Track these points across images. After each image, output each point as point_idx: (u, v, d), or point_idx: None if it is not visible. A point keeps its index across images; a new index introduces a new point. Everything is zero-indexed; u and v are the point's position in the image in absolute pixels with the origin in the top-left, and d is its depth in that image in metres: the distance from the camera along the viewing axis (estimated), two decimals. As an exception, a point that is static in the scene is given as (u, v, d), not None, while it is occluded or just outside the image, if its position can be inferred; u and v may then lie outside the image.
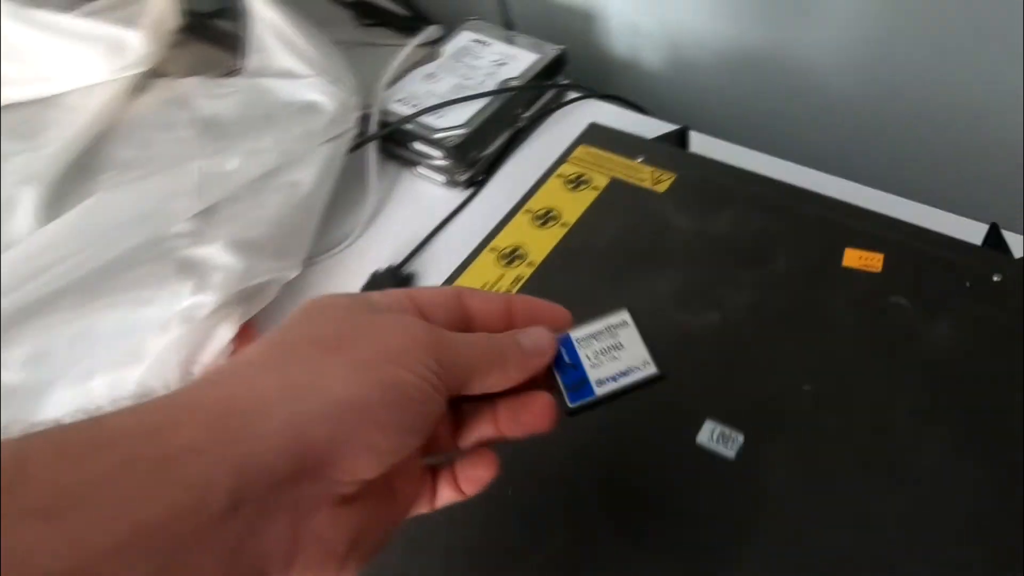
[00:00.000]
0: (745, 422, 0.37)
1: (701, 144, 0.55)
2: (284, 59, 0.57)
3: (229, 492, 0.19)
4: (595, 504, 0.37)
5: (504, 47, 0.61)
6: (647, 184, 0.50)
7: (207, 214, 0.50)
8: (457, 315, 0.28)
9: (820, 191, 0.47)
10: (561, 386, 0.29)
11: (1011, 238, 0.45)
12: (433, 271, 0.53)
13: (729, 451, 0.37)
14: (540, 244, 0.48)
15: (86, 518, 0.17)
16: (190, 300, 0.47)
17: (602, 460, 0.38)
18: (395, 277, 0.52)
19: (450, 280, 0.47)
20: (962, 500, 0.34)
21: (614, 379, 0.29)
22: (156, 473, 0.19)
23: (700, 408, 0.38)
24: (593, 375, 0.29)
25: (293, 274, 0.52)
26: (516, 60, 0.60)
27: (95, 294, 0.47)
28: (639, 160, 0.51)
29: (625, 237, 0.47)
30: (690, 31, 0.62)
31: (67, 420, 0.19)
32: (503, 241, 0.48)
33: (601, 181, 0.50)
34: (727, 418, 0.38)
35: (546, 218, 0.49)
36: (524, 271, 0.46)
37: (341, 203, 0.57)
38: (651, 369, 0.29)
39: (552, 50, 0.60)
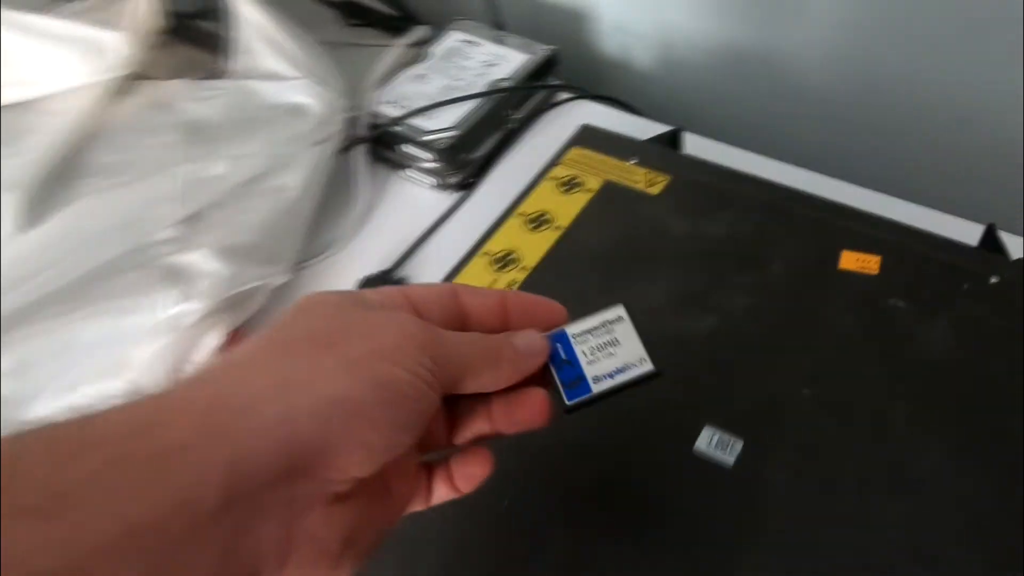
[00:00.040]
0: (744, 428, 0.37)
1: (694, 145, 0.55)
2: (270, 61, 0.56)
3: (221, 490, 0.19)
4: (593, 508, 0.36)
5: (494, 47, 0.60)
6: (641, 186, 0.49)
7: (192, 220, 0.49)
8: (452, 312, 0.28)
9: (814, 192, 0.47)
10: (558, 383, 0.28)
11: (1007, 239, 0.44)
12: (424, 275, 0.52)
13: (728, 457, 0.37)
14: (533, 248, 0.47)
15: (77, 517, 0.17)
16: (176, 308, 0.46)
17: (600, 467, 0.37)
18: (385, 282, 0.51)
19: (442, 285, 0.46)
20: (962, 503, 0.34)
21: (611, 376, 0.28)
22: (147, 471, 0.19)
23: (698, 414, 0.38)
24: (590, 372, 0.28)
25: (281, 280, 0.51)
26: (506, 61, 0.59)
27: (78, 303, 0.46)
28: (632, 162, 0.50)
29: (619, 241, 0.47)
30: (681, 31, 0.61)
31: (58, 419, 0.19)
32: (496, 245, 0.48)
33: (594, 183, 0.50)
34: (725, 424, 0.37)
35: (539, 221, 0.48)
36: (517, 275, 0.46)
37: (329, 207, 0.56)
38: (648, 366, 0.29)
39: (543, 50, 0.59)
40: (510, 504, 0.36)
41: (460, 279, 0.46)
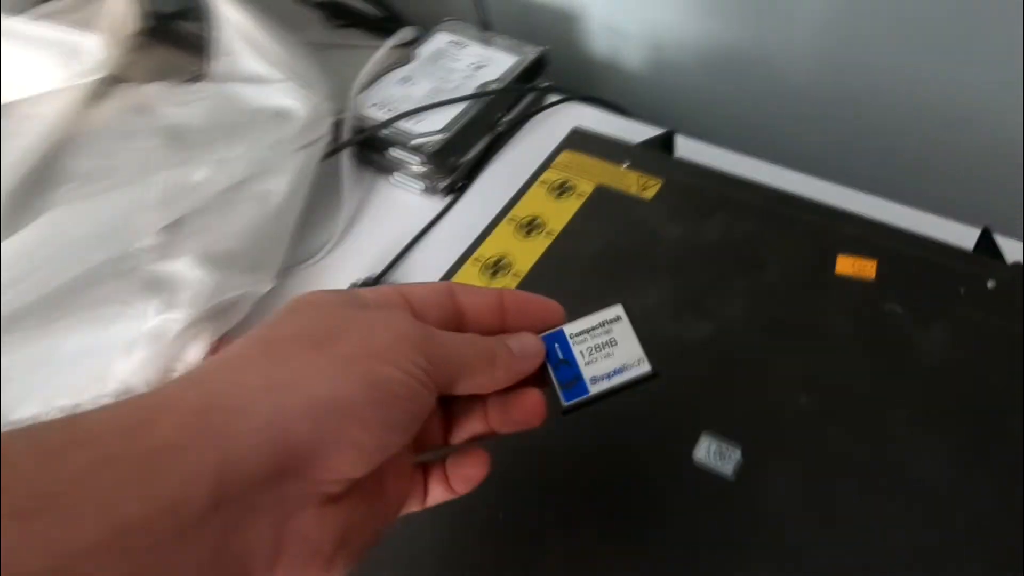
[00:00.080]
0: (742, 435, 0.36)
1: (686, 148, 0.54)
2: (252, 63, 0.54)
3: (210, 491, 0.19)
4: (591, 513, 0.36)
5: (482, 49, 0.59)
6: (633, 191, 0.48)
7: (174, 227, 0.47)
8: (449, 311, 0.28)
9: (808, 195, 0.46)
10: (555, 384, 0.28)
11: (1003, 242, 0.44)
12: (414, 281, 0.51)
13: (727, 467, 0.36)
14: (525, 254, 0.46)
15: (62, 517, 0.17)
16: (158, 319, 0.45)
17: (597, 473, 0.37)
18: (374, 290, 0.50)
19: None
20: (964, 509, 0.34)
21: (608, 377, 0.28)
22: (135, 471, 0.18)
23: (695, 421, 0.37)
24: (587, 373, 0.28)
25: (266, 288, 0.50)
26: (495, 62, 0.58)
27: (55, 315, 0.44)
28: (624, 166, 0.50)
29: (613, 246, 0.46)
30: (671, 31, 0.61)
31: (44, 418, 0.19)
32: (487, 251, 0.47)
33: (586, 188, 0.49)
34: (723, 431, 0.37)
35: (531, 227, 0.47)
36: (509, 282, 0.45)
37: (315, 213, 0.55)
38: (645, 367, 0.28)
39: (532, 52, 0.59)
40: (507, 507, 0.36)
41: (451, 286, 0.45)
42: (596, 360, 0.28)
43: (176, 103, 0.52)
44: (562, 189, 0.49)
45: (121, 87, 0.54)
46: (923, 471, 0.35)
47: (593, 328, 0.29)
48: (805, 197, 0.46)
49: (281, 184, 0.51)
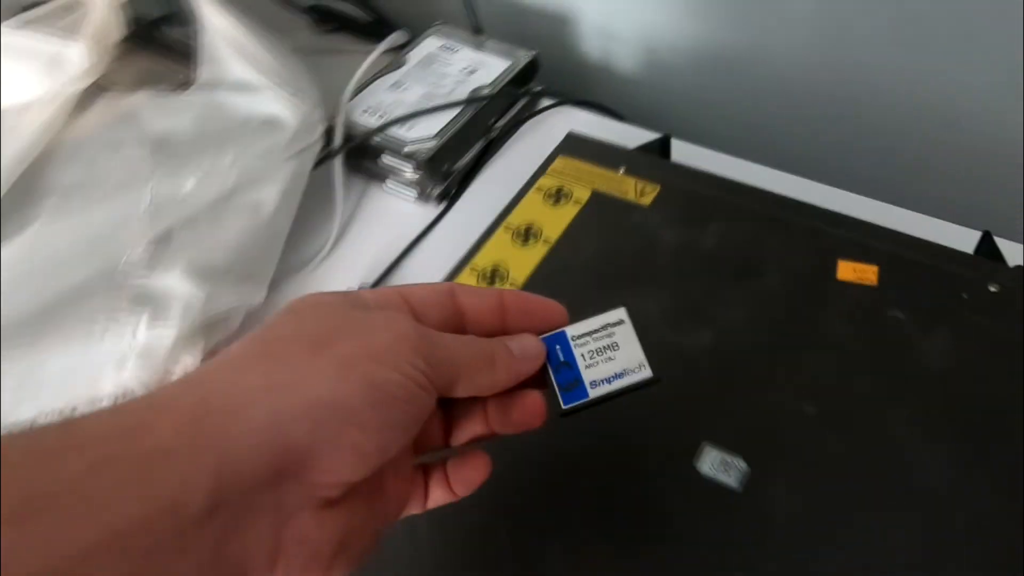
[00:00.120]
0: (745, 446, 0.36)
1: (682, 151, 0.53)
2: (239, 70, 0.53)
3: (207, 494, 0.19)
4: (594, 524, 0.35)
5: (473, 53, 0.59)
6: (631, 197, 0.48)
7: (162, 240, 0.46)
8: (450, 312, 0.27)
9: (806, 199, 0.46)
10: (555, 386, 0.28)
11: (1003, 245, 0.44)
12: (408, 292, 0.50)
13: (731, 479, 0.36)
14: (522, 262, 0.45)
15: (57, 521, 0.17)
16: (147, 334, 0.44)
17: (599, 485, 0.36)
18: (368, 300, 0.49)
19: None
20: (971, 516, 0.33)
21: (608, 381, 0.28)
22: (130, 475, 0.18)
23: (697, 432, 0.37)
24: (587, 376, 0.28)
25: (258, 300, 0.49)
26: (486, 67, 0.57)
27: (41, 332, 0.43)
28: (621, 171, 0.49)
29: (611, 253, 0.45)
30: (665, 34, 0.60)
31: (40, 422, 0.19)
32: (483, 260, 0.46)
33: (583, 194, 0.48)
34: (726, 442, 0.36)
35: (527, 235, 0.47)
36: (507, 292, 0.44)
37: (307, 222, 0.54)
38: (646, 372, 0.28)
39: (524, 56, 0.58)
40: (508, 511, 0.35)
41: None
42: (597, 363, 0.28)
43: (163, 112, 0.51)
44: (558, 196, 0.48)
45: (106, 96, 0.52)
46: (929, 479, 0.34)
47: (595, 331, 0.29)
48: (804, 202, 0.46)
49: (272, 193, 0.50)
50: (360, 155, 0.55)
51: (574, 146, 0.51)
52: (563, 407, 0.28)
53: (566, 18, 0.64)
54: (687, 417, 0.38)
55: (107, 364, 0.43)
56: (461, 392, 0.26)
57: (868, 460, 0.35)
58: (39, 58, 0.50)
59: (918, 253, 0.42)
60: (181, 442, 0.19)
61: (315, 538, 0.22)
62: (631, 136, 0.54)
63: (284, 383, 0.21)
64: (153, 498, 0.18)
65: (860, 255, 0.42)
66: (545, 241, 0.46)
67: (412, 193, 0.55)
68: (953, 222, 0.45)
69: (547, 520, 0.35)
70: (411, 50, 0.60)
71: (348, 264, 0.53)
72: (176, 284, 0.45)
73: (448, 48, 0.59)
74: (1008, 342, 0.38)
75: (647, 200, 0.47)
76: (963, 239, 0.44)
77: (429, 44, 0.60)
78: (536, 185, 0.49)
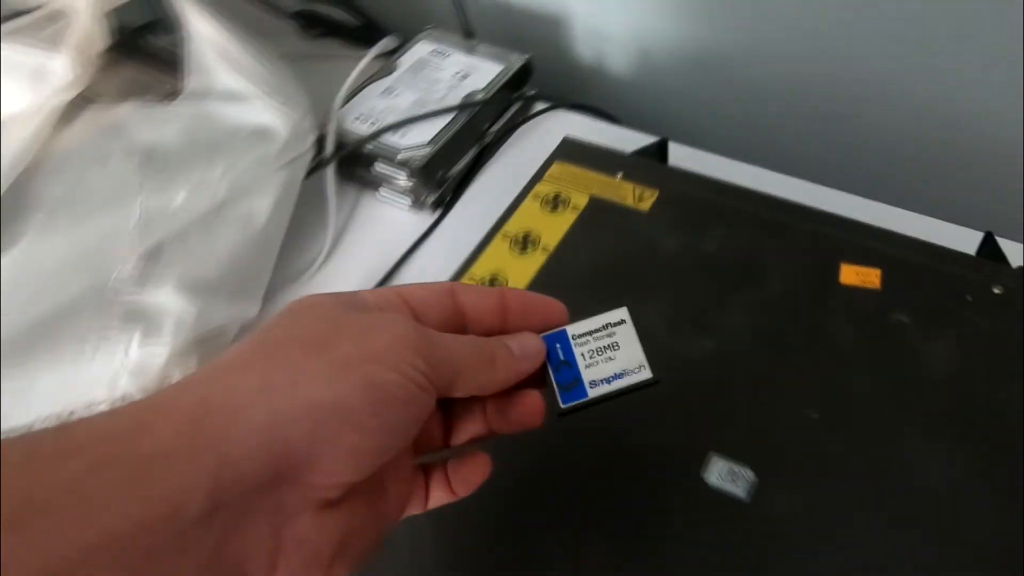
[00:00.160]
0: (752, 456, 0.36)
1: (677, 154, 0.53)
2: (228, 79, 0.52)
3: (205, 497, 0.19)
4: (599, 533, 0.35)
5: (465, 58, 0.58)
6: (629, 202, 0.47)
7: (153, 255, 0.45)
8: (450, 312, 0.27)
9: (806, 201, 0.46)
10: (554, 385, 0.28)
11: (1006, 245, 0.44)
12: (405, 302, 0.49)
13: (739, 489, 0.35)
14: (521, 271, 0.45)
15: (54, 525, 0.17)
16: (139, 352, 0.43)
17: (603, 496, 0.36)
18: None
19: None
20: (981, 524, 0.33)
21: (607, 381, 0.28)
22: (128, 478, 0.18)
23: (702, 439, 0.36)
24: (587, 375, 0.28)
25: (252, 314, 0.48)
26: (479, 71, 0.56)
27: (31, 352, 0.42)
28: (619, 176, 0.48)
29: (611, 260, 0.45)
30: (659, 36, 0.59)
31: (37, 427, 0.19)
32: (481, 268, 0.45)
33: (580, 200, 0.48)
34: (731, 451, 0.36)
35: (525, 242, 0.46)
36: (506, 302, 0.43)
37: (300, 232, 0.53)
38: (646, 373, 0.28)
39: (517, 59, 0.57)
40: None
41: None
42: (597, 363, 0.28)
43: (150, 123, 0.50)
44: (555, 202, 0.48)
45: (92, 108, 0.51)
46: (937, 485, 0.34)
47: (596, 330, 0.29)
48: (805, 205, 0.45)
49: (264, 205, 0.49)
50: (352, 163, 0.55)
51: (571, 151, 0.51)
52: (562, 406, 0.28)
53: (558, 20, 0.63)
54: (692, 425, 0.37)
55: (99, 383, 0.42)
56: (461, 392, 0.26)
57: (875, 467, 0.35)
58: (22, 71, 0.48)
59: (921, 255, 0.42)
60: (181, 443, 0.19)
61: (315, 539, 0.22)
62: (627, 139, 0.53)
63: (283, 384, 0.21)
64: (152, 500, 0.18)
65: (862, 258, 0.42)
66: (544, 249, 0.46)
67: (406, 201, 0.54)
68: (954, 223, 0.45)
69: (549, 524, 0.35)
70: (402, 55, 0.59)
71: (343, 274, 0.52)
72: (168, 300, 0.44)
73: (439, 53, 0.59)
74: (1013, 344, 0.38)
75: (646, 205, 0.47)
76: (965, 240, 0.44)
77: (420, 49, 0.59)
78: (533, 192, 0.49)
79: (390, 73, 0.58)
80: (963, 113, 0.50)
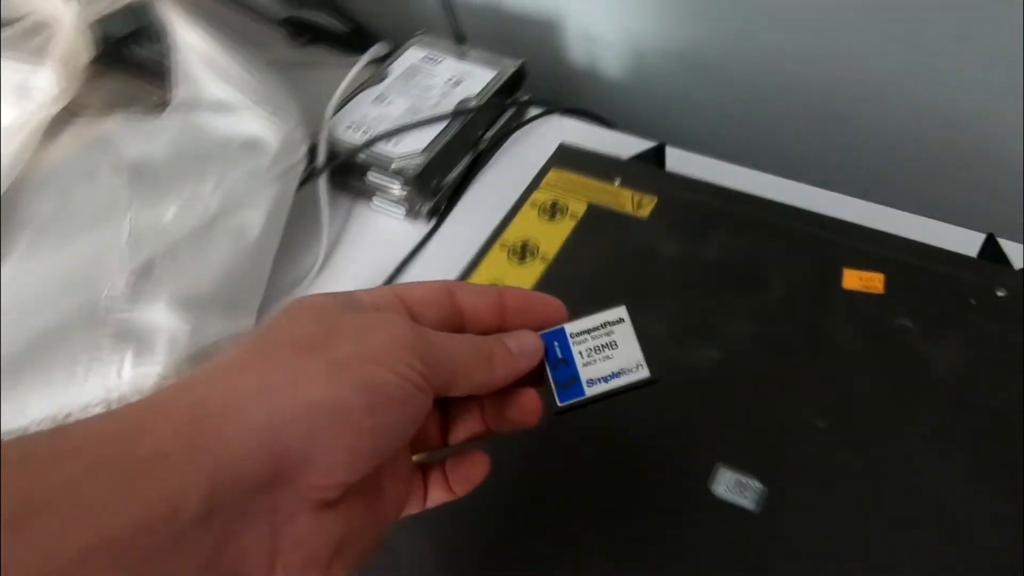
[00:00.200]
0: (759, 466, 0.35)
1: (677, 159, 0.52)
2: (216, 89, 0.51)
3: (202, 498, 0.19)
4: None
5: (457, 63, 0.57)
6: (628, 209, 0.47)
7: (144, 272, 0.44)
8: (448, 311, 0.27)
9: (805, 205, 0.45)
10: (552, 383, 0.28)
11: (1007, 246, 0.43)
12: (402, 314, 0.49)
13: (748, 501, 0.35)
14: (520, 281, 0.44)
15: (51, 526, 0.17)
16: (132, 372, 0.42)
17: (609, 514, 0.35)
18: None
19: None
20: (991, 534, 0.33)
21: (605, 380, 0.28)
22: (125, 479, 0.18)
23: (709, 453, 0.36)
24: (584, 374, 0.28)
25: (247, 328, 0.47)
26: (472, 77, 0.56)
27: (21, 375, 0.41)
28: (616, 183, 0.48)
29: (611, 269, 0.44)
30: (652, 37, 0.59)
31: (34, 429, 0.19)
32: (480, 279, 0.45)
33: (578, 208, 0.47)
34: (739, 462, 0.35)
35: (523, 252, 0.45)
36: (506, 313, 0.43)
37: (293, 244, 0.52)
38: (644, 372, 0.28)
39: (510, 65, 0.56)
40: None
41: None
42: (595, 362, 0.28)
43: (138, 136, 0.49)
44: (553, 210, 0.47)
45: (77, 121, 0.50)
46: (948, 492, 0.34)
47: (594, 329, 0.29)
48: (806, 209, 0.45)
49: (256, 218, 0.48)
50: (345, 173, 0.54)
51: (567, 158, 0.50)
52: (559, 404, 0.28)
53: (550, 24, 0.62)
54: (697, 436, 0.37)
55: (92, 406, 0.41)
56: (459, 391, 0.26)
57: (883, 474, 0.35)
58: (7, 86, 0.47)
59: (923, 259, 0.42)
60: (178, 445, 0.19)
61: (313, 539, 0.22)
62: (623, 144, 0.53)
63: (279, 386, 0.21)
64: (150, 501, 0.18)
65: (865, 263, 0.42)
66: (542, 258, 0.45)
67: (401, 210, 0.54)
68: (954, 224, 0.45)
69: (549, 538, 0.35)
70: (393, 62, 0.58)
71: (338, 286, 0.51)
72: (160, 317, 0.44)
73: (431, 59, 0.58)
74: (1018, 347, 0.38)
75: (645, 212, 0.46)
76: (966, 241, 0.43)
77: (411, 55, 0.58)
78: (530, 200, 0.48)
79: (381, 80, 0.57)
80: (963, 113, 0.50)
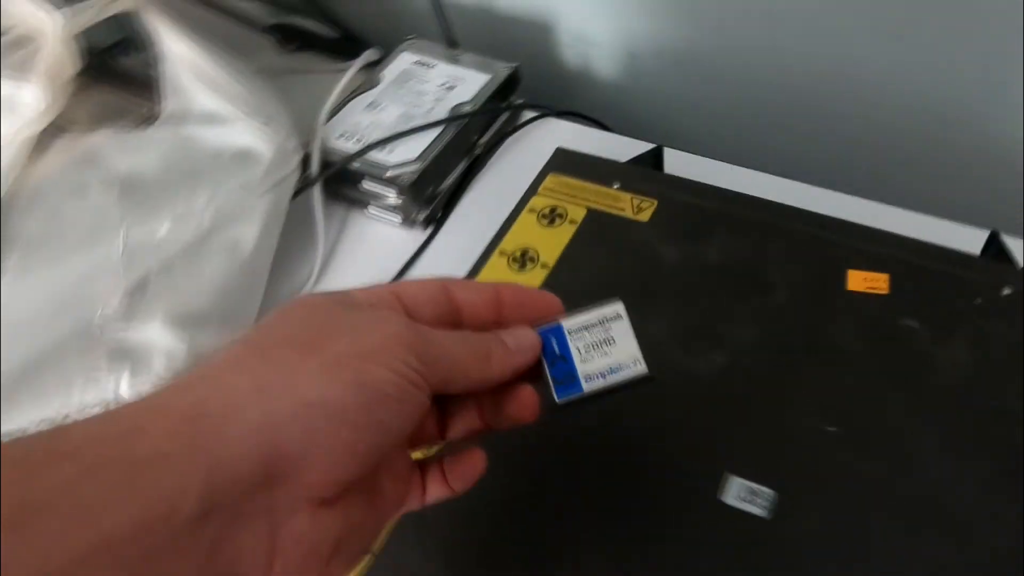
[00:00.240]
0: (769, 472, 0.35)
1: (675, 161, 0.52)
2: (206, 100, 0.50)
3: (199, 498, 0.19)
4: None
5: (450, 68, 0.56)
6: (628, 213, 0.46)
7: (138, 290, 0.44)
8: (445, 309, 0.27)
9: (806, 205, 0.45)
10: (549, 379, 0.28)
11: (1010, 243, 0.43)
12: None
13: (758, 508, 0.35)
14: (521, 290, 0.43)
15: (49, 527, 0.17)
16: (129, 392, 0.42)
17: (616, 524, 0.35)
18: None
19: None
20: (1006, 538, 0.32)
21: (602, 376, 0.28)
22: (122, 480, 0.18)
23: (718, 461, 0.35)
24: (582, 370, 0.28)
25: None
26: (465, 82, 0.55)
27: (15, 398, 0.40)
28: (615, 187, 0.47)
29: (613, 275, 0.44)
30: (646, 37, 0.58)
31: (32, 430, 0.19)
32: (480, 289, 0.44)
33: (577, 213, 0.47)
34: (748, 469, 0.35)
35: (523, 260, 0.45)
36: (508, 323, 0.42)
37: (288, 256, 0.51)
38: (641, 368, 0.28)
39: (504, 69, 0.56)
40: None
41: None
42: (592, 358, 0.28)
43: (127, 151, 0.48)
44: (552, 216, 0.47)
45: (65, 136, 0.49)
46: (962, 495, 0.34)
47: (591, 325, 0.29)
48: (808, 210, 0.45)
49: (251, 231, 0.47)
50: (339, 182, 0.53)
51: (564, 162, 0.50)
52: (557, 401, 0.28)
53: (542, 26, 0.62)
54: (706, 444, 0.36)
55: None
56: (456, 388, 0.26)
57: (895, 477, 0.34)
58: (-10, 104, 0.46)
59: (927, 258, 0.41)
60: (175, 445, 0.19)
61: (312, 537, 0.22)
62: (619, 147, 0.52)
63: (275, 385, 0.21)
64: (148, 502, 0.18)
65: (869, 263, 0.41)
66: (543, 265, 0.44)
67: (396, 218, 0.53)
68: (956, 221, 0.45)
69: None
70: (384, 67, 0.57)
71: (335, 297, 0.50)
72: (156, 336, 0.43)
73: (423, 64, 0.57)
74: (1025, 345, 0.38)
75: (645, 216, 0.46)
76: (969, 239, 0.43)
77: (403, 60, 0.58)
78: (528, 206, 0.48)
79: (373, 86, 0.56)
80: (962, 110, 0.50)
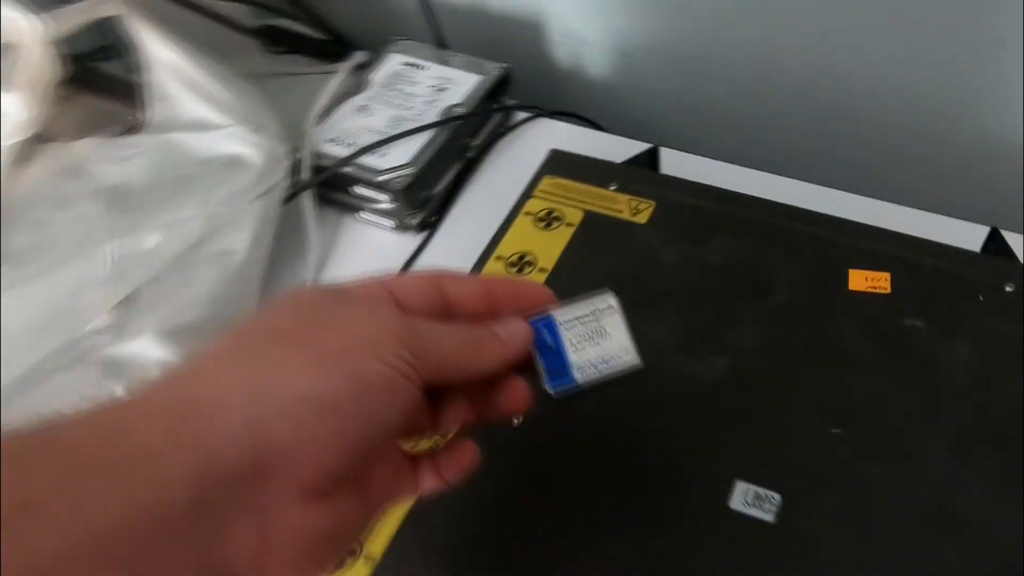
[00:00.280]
0: (774, 476, 0.35)
1: (671, 161, 0.51)
2: (193, 107, 0.49)
3: (190, 493, 0.19)
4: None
5: (441, 69, 0.56)
6: (625, 215, 0.45)
7: (128, 303, 0.43)
8: (436, 301, 0.27)
9: (804, 204, 0.45)
10: (542, 370, 0.28)
11: (1011, 239, 0.43)
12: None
13: (765, 513, 0.34)
14: (519, 295, 0.43)
15: (37, 524, 0.17)
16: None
17: (621, 531, 0.35)
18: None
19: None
20: (1015, 540, 0.32)
21: (594, 366, 0.28)
22: (111, 476, 0.18)
23: (726, 467, 0.35)
24: (574, 360, 0.28)
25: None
26: (456, 83, 0.54)
27: (5, 416, 0.39)
28: (612, 188, 0.47)
29: (612, 278, 0.42)
30: (638, 36, 0.58)
31: (21, 426, 0.19)
32: (477, 295, 0.43)
33: (575, 216, 0.46)
34: (754, 474, 0.35)
35: (521, 264, 0.44)
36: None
37: (280, 264, 0.50)
38: (632, 358, 0.28)
39: (495, 69, 0.55)
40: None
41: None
42: (584, 348, 0.28)
43: (113, 160, 0.47)
44: (549, 219, 0.46)
45: (48, 147, 0.48)
46: (969, 496, 0.33)
47: (583, 316, 0.29)
48: (807, 209, 0.44)
49: (242, 240, 0.46)
50: (330, 187, 0.52)
51: (559, 164, 0.49)
52: (551, 392, 0.28)
53: (533, 25, 0.61)
54: (711, 449, 0.36)
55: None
56: (449, 380, 0.26)
57: (902, 479, 0.34)
58: (-29, 114, 0.45)
59: (928, 256, 0.41)
60: (162, 443, 0.19)
61: (304, 530, 0.22)
62: (614, 147, 0.52)
63: (265, 379, 0.21)
64: (134, 500, 0.18)
65: (870, 263, 0.41)
66: (541, 270, 0.44)
67: (390, 223, 0.52)
68: (956, 218, 0.44)
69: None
70: (374, 70, 0.56)
71: (329, 305, 0.50)
72: (147, 349, 0.42)
73: (413, 65, 0.56)
74: (1029, 342, 0.38)
75: (643, 218, 0.45)
76: (969, 235, 0.43)
77: (392, 62, 0.57)
78: (524, 209, 0.47)
79: (363, 90, 0.55)
80: (961, 106, 0.50)
